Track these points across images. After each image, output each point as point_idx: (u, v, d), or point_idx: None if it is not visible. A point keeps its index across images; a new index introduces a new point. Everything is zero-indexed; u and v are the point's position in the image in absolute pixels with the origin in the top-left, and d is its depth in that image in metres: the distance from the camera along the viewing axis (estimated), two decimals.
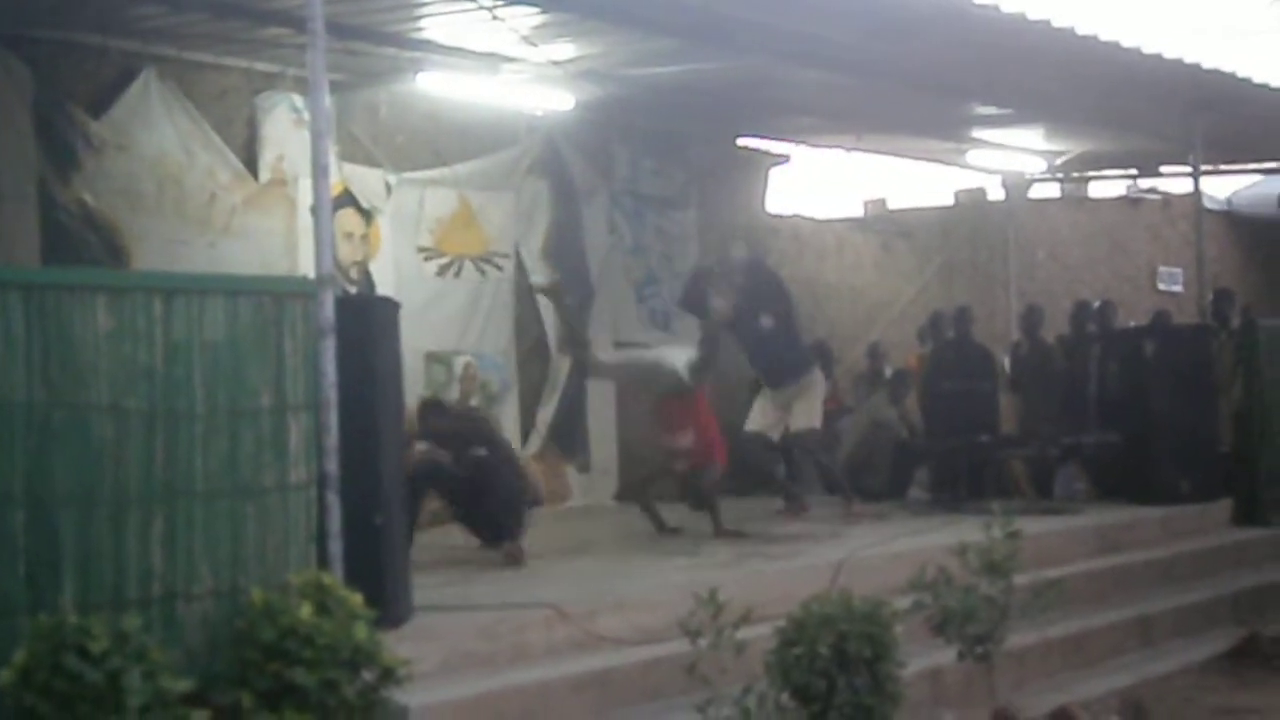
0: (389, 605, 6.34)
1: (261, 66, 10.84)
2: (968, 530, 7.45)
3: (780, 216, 16.16)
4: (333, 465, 6.23)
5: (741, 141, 15.03)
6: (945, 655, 7.18)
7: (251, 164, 10.82)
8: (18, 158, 9.47)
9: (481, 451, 9.23)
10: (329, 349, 6.25)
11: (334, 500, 6.23)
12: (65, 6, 9.14)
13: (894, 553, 9.03)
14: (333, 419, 6.24)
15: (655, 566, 8.86)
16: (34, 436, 5.36)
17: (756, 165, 15.55)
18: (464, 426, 9.54)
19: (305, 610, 5.60)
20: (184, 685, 5.18)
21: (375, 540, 6.50)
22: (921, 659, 7.15)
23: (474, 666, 6.63)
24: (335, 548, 6.22)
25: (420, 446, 9.12)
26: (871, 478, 13.03)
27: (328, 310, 6.27)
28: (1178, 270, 18.38)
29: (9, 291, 5.34)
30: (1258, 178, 18.78)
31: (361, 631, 5.67)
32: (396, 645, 5.94)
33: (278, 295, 6.11)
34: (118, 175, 9.99)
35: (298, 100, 10.74)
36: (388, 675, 5.72)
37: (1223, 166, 16.19)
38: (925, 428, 13.16)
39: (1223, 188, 19.42)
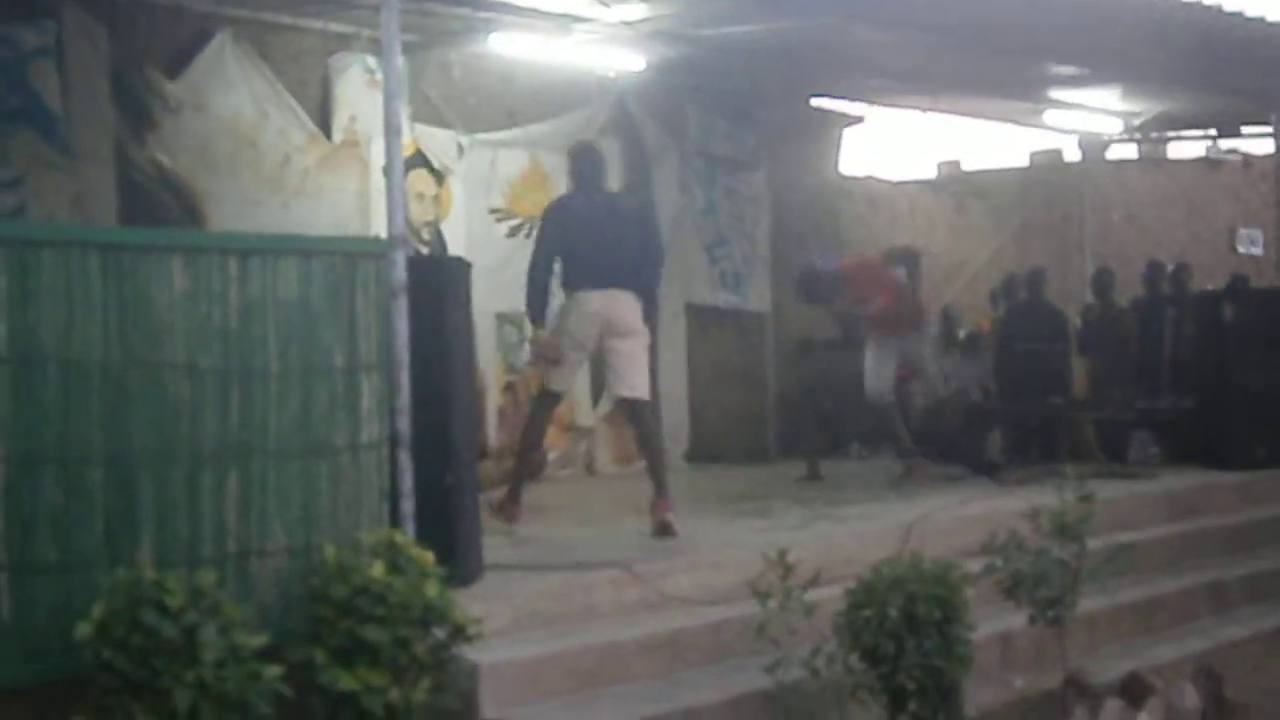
0: (460, 564, 6.38)
1: (336, 27, 10.87)
2: (1040, 493, 7.41)
3: (853, 178, 16.06)
4: (404, 424, 6.28)
5: (814, 102, 14.92)
6: (1016, 619, 7.16)
7: (325, 125, 10.87)
8: (94, 118, 9.54)
9: None
10: (401, 308, 6.28)
11: (406, 459, 6.28)
12: None
13: (965, 515, 9.00)
14: (404, 378, 6.28)
15: (726, 528, 8.87)
16: (111, 395, 5.43)
17: (829, 126, 15.44)
18: None
19: (377, 568, 5.66)
20: (258, 641, 5.24)
21: (446, 499, 6.55)
22: (992, 623, 7.14)
23: (544, 625, 6.67)
24: (407, 506, 6.26)
25: None
26: (945, 440, 12.96)
27: (400, 270, 6.30)
28: (1257, 232, 18.13)
29: (86, 251, 5.40)
30: None
31: (433, 589, 5.71)
32: (467, 604, 5.98)
33: (350, 255, 6.15)
34: (193, 136, 10.06)
35: (371, 61, 10.77)
36: (458, 633, 5.77)
37: None
38: (999, 389, 13.07)
39: None
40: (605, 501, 9.99)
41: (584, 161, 8.97)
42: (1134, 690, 6.94)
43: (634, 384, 8.77)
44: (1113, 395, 12.47)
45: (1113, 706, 6.82)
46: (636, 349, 8.77)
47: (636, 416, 9.01)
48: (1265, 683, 8.02)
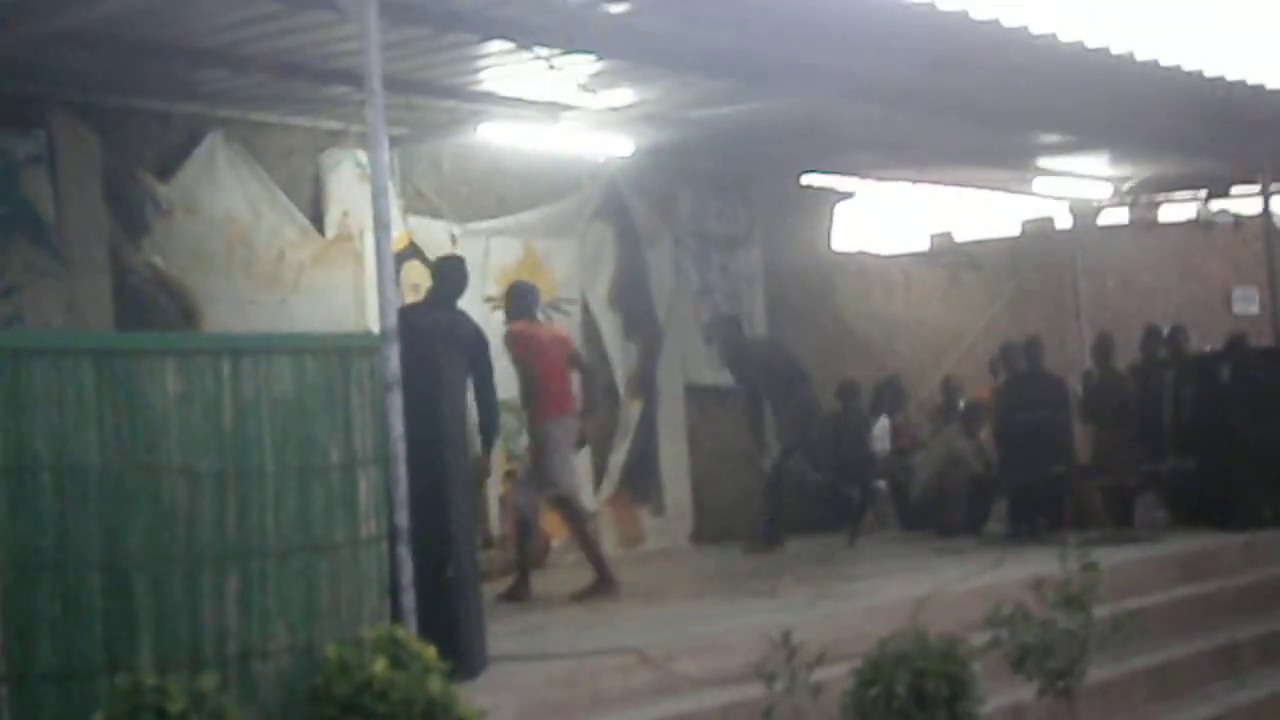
0: (463, 657, 6.36)
1: (325, 124, 10.95)
2: (1046, 563, 7.37)
3: (846, 253, 16.12)
4: (403, 518, 6.27)
5: (805, 179, 15.01)
6: (1026, 691, 7.11)
7: (318, 221, 10.93)
8: (88, 224, 9.59)
9: None
10: (396, 402, 6.29)
11: (406, 553, 6.26)
12: (131, 73, 9.29)
13: (971, 589, 8.95)
14: (402, 472, 6.28)
15: (732, 609, 8.83)
16: (108, 499, 5.42)
17: (821, 202, 15.52)
18: None
19: (380, 664, 5.63)
20: None
21: (448, 592, 6.52)
22: (1002, 696, 7.09)
23: (551, 715, 6.62)
24: (408, 601, 6.24)
25: None
26: (947, 512, 12.94)
27: (393, 364, 6.31)
28: (1253, 291, 18.12)
29: (80, 358, 5.41)
30: None
31: (436, 684, 5.68)
32: (472, 697, 5.94)
33: (343, 351, 6.16)
34: (187, 237, 10.12)
35: (361, 156, 10.84)
36: None
37: None
38: (1000, 460, 13.04)
39: None
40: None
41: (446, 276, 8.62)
42: None
43: None
44: (1117, 461, 12.44)
45: None
46: None
47: None
48: None
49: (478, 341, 8.40)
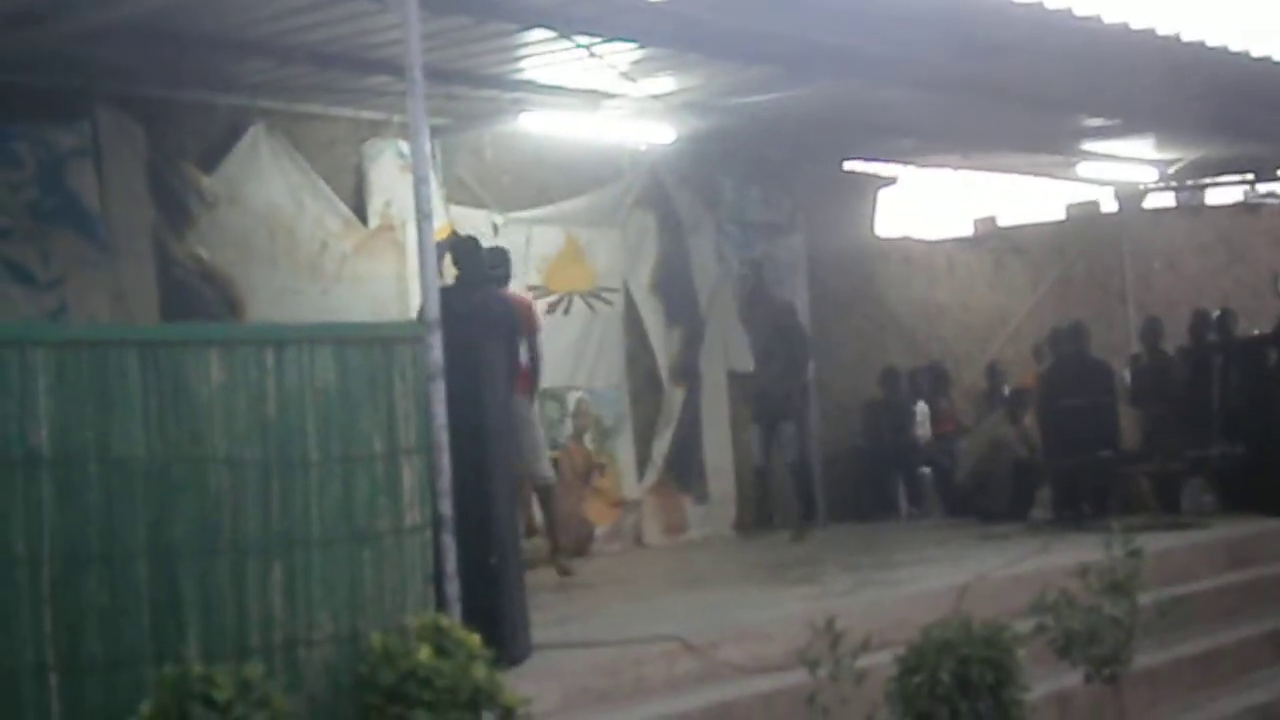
0: (507, 644, 6.37)
1: (367, 114, 10.99)
2: (1091, 549, 7.33)
3: (889, 239, 16.07)
4: (447, 507, 6.29)
5: (847, 165, 14.97)
6: (1072, 678, 7.07)
7: (360, 211, 10.97)
8: (133, 215, 9.68)
9: None
10: (439, 391, 6.31)
11: (449, 541, 6.28)
12: (174, 65, 9.34)
13: (1016, 575, 8.91)
14: (445, 461, 6.30)
15: (775, 596, 8.82)
16: (154, 490, 5.44)
17: (863, 188, 15.48)
18: None
19: (424, 652, 5.64)
20: None
21: (491, 580, 6.54)
22: (1048, 683, 7.05)
23: (594, 702, 6.63)
24: (452, 589, 6.26)
25: None
26: (992, 498, 12.89)
27: (436, 353, 6.33)
28: None
29: (125, 350, 5.44)
30: None
31: (481, 672, 5.68)
32: (516, 684, 5.94)
33: (386, 341, 6.17)
34: (231, 228, 10.18)
35: (403, 146, 10.87)
36: (508, 715, 5.73)
37: None
38: (1045, 446, 12.98)
39: None
40: (654, 574, 9.95)
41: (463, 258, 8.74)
42: None
43: None
44: (1166, 445, 12.36)
45: None
46: None
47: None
48: None
49: (510, 317, 8.60)
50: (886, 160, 15.04)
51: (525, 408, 9.94)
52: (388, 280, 10.92)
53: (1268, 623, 9.44)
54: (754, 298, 12.77)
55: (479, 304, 8.19)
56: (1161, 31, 10.01)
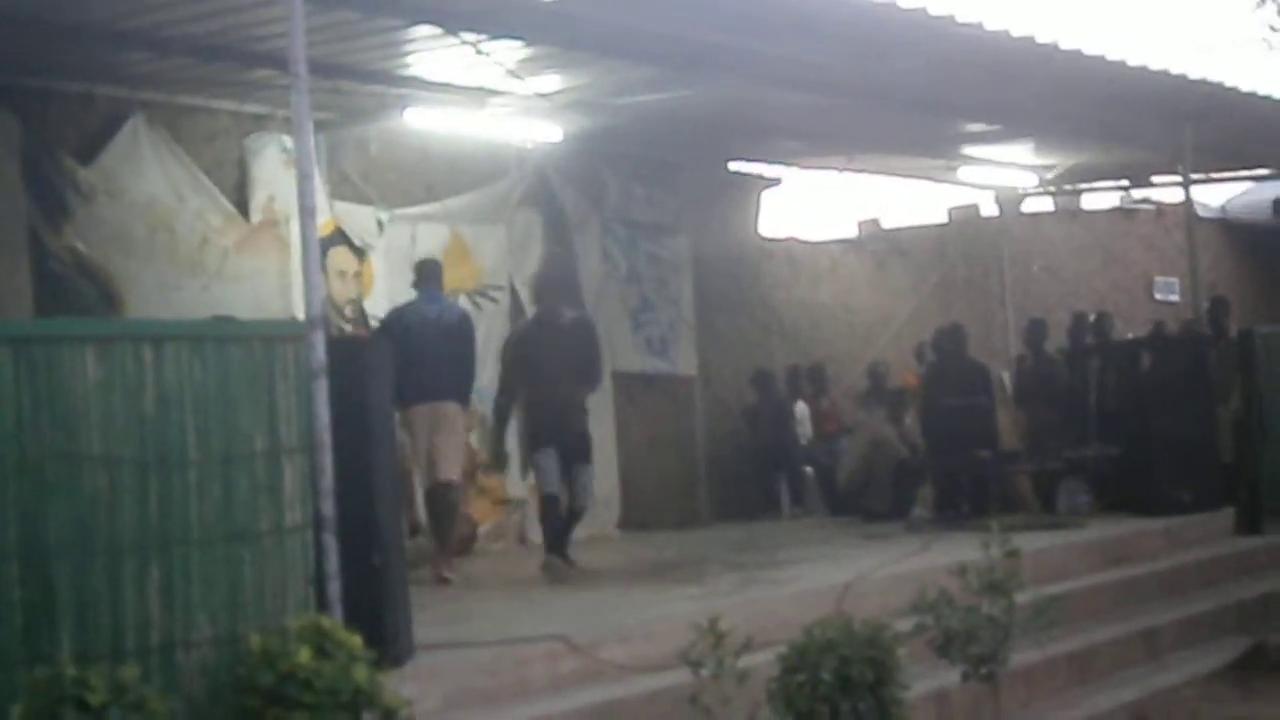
0: (389, 645, 6.30)
1: (250, 108, 10.87)
2: (970, 548, 7.42)
3: (774, 240, 16.17)
4: (329, 507, 6.21)
5: (732, 166, 15.05)
6: (950, 676, 7.14)
7: (243, 206, 10.84)
8: (7, 208, 9.48)
9: None
10: (322, 390, 6.23)
11: (331, 542, 6.21)
12: (51, 54, 9.16)
13: (896, 574, 9.00)
14: (327, 460, 6.22)
15: (659, 596, 8.83)
16: (27, 488, 5.33)
17: (748, 189, 15.56)
18: None
19: (304, 654, 5.57)
20: None
21: (374, 580, 6.48)
22: (926, 681, 7.12)
23: (477, 703, 6.59)
24: (334, 589, 6.18)
25: None
26: (874, 498, 13.02)
27: (319, 352, 6.25)
28: (1174, 279, 18.38)
29: None
30: (1250, 185, 18.80)
31: (361, 673, 5.63)
32: (398, 685, 5.90)
33: (268, 339, 6.09)
34: (109, 222, 10.00)
35: (287, 141, 10.76)
36: (389, 716, 5.68)
37: (1214, 175, 16.20)
38: (926, 445, 13.15)
39: (1216, 196, 19.45)
40: (537, 573, 9.92)
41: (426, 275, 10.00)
42: None
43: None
44: (1049, 446, 12.56)
45: None
46: None
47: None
48: None
49: (465, 326, 10.00)
50: (772, 161, 15.15)
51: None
52: (270, 276, 10.80)
53: (1140, 621, 9.61)
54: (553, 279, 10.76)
55: (434, 316, 9.71)
56: (1040, 39, 10.18)
